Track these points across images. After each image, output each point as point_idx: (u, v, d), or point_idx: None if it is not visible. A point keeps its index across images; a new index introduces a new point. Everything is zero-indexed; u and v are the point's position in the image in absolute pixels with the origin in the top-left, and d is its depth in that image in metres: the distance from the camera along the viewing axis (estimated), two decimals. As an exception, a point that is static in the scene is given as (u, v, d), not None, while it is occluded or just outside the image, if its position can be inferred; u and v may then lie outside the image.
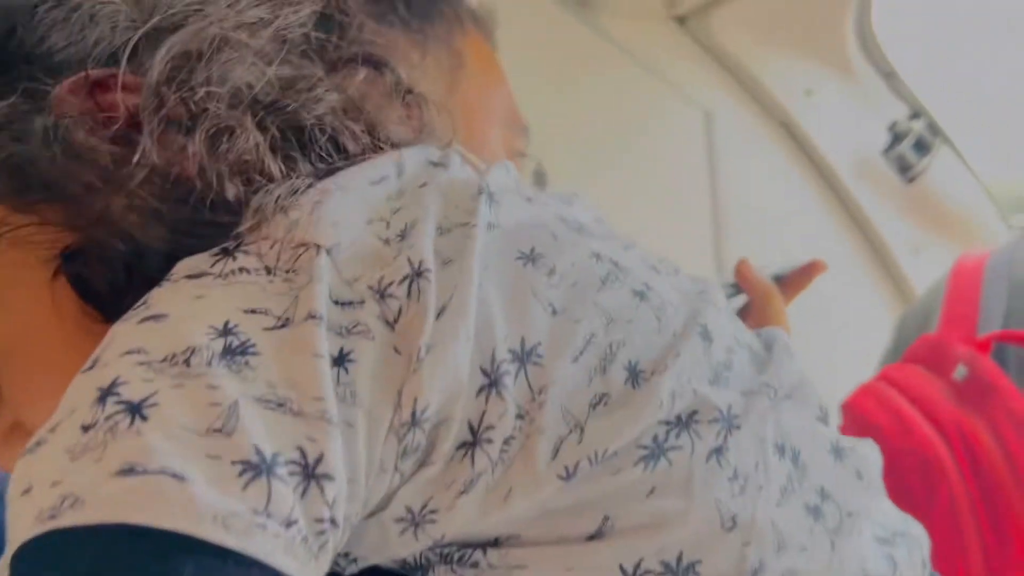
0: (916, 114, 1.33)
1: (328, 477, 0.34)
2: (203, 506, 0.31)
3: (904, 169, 1.34)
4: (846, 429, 0.93)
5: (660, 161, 1.40)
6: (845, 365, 1.13)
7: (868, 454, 0.50)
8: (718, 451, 0.42)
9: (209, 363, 0.34)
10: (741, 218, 1.40)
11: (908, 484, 0.82)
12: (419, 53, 0.66)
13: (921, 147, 1.33)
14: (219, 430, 0.32)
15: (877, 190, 1.37)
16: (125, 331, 0.36)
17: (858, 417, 0.91)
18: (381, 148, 0.47)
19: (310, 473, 0.33)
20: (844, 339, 1.34)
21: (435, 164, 0.46)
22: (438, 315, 0.38)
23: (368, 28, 0.58)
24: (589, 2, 1.36)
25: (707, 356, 0.45)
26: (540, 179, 1.35)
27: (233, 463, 0.32)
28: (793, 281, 0.92)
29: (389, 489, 0.38)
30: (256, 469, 0.32)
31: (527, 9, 1.33)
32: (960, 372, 0.86)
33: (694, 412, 0.42)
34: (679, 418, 0.42)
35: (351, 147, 0.45)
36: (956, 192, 1.36)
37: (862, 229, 1.41)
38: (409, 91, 0.52)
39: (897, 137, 1.33)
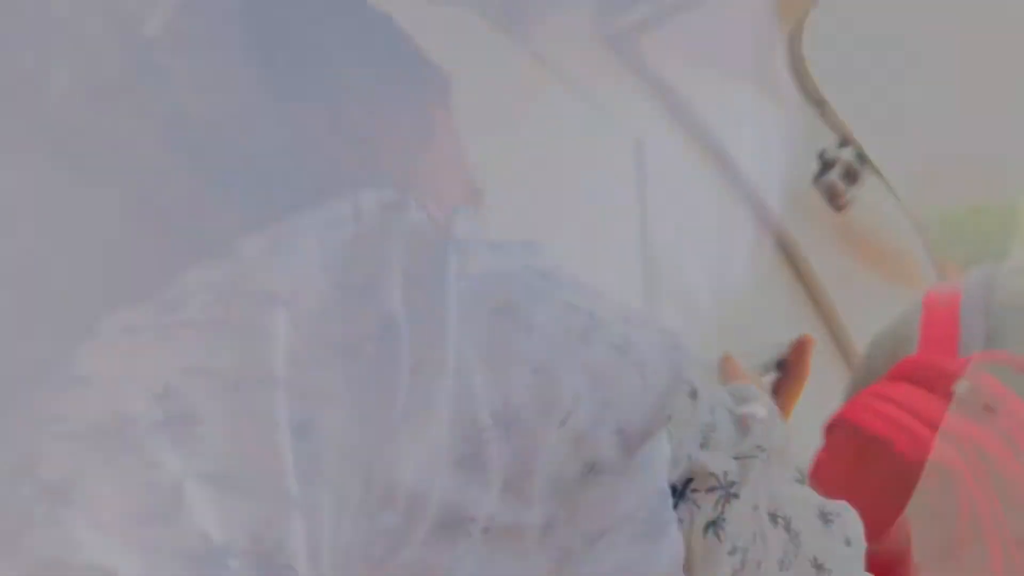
0: (845, 142, 1.35)
1: (288, 567, 0.29)
2: None
3: (833, 197, 1.36)
4: (841, 446, 0.91)
5: (589, 186, 1.36)
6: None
7: (852, 519, 0.48)
8: (715, 523, 0.39)
9: (147, 434, 0.29)
10: (670, 243, 1.38)
11: (928, 497, 0.80)
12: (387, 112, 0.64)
13: (849, 176, 1.35)
14: (159, 515, 0.27)
15: (807, 218, 1.39)
16: (44, 395, 0.31)
17: (857, 431, 0.89)
18: (337, 189, 0.43)
19: (266, 562, 0.28)
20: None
21: (392, 206, 0.43)
22: (411, 375, 0.34)
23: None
24: (518, 21, 1.32)
25: (694, 417, 0.43)
26: (476, 198, 1.30)
27: (176, 555, 0.27)
28: (794, 368, 0.89)
29: None
30: (204, 561, 0.27)
31: (455, 28, 1.28)
32: (963, 386, 0.86)
33: (690, 480, 0.40)
34: (675, 487, 0.39)
35: (306, 188, 0.42)
36: (884, 222, 1.39)
37: (791, 257, 1.42)
38: (368, 133, 0.50)
39: (826, 165, 1.35)
